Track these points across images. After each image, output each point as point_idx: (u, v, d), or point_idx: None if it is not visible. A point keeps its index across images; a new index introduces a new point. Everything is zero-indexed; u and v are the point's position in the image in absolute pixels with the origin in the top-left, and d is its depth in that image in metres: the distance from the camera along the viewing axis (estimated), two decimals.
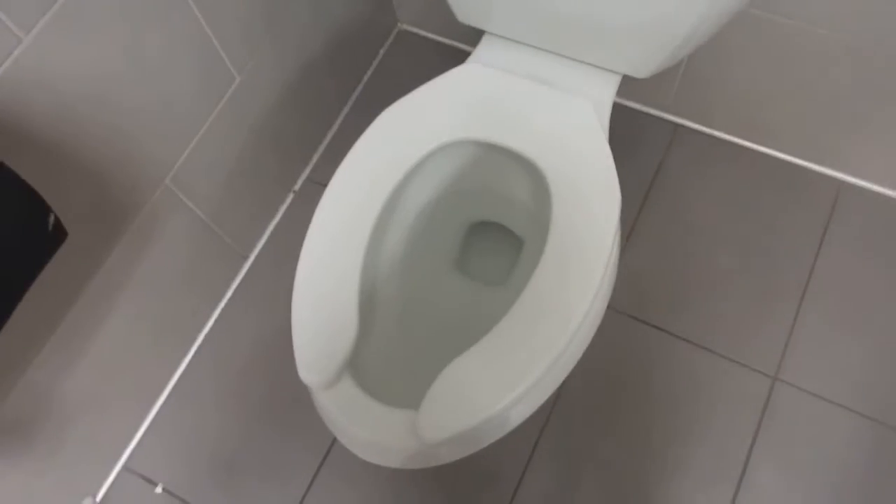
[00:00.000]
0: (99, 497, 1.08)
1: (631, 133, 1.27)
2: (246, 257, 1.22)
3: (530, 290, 0.76)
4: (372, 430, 0.72)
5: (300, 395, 1.12)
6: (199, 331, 1.17)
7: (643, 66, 0.85)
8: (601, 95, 0.87)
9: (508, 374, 0.72)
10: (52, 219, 0.65)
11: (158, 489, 1.09)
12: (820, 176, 1.20)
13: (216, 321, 1.19)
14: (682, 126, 1.27)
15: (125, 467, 1.10)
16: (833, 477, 1.02)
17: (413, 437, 0.71)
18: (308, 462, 1.09)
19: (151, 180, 0.92)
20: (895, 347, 1.08)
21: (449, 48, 1.38)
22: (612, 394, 1.09)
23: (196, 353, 1.17)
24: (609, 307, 1.12)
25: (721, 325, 1.12)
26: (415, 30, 1.40)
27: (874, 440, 1.03)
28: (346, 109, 1.34)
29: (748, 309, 1.13)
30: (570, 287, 0.76)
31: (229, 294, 1.20)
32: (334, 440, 1.09)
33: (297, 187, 1.28)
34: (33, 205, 0.63)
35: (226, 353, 1.17)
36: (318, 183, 1.28)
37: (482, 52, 0.92)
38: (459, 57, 0.89)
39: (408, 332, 0.93)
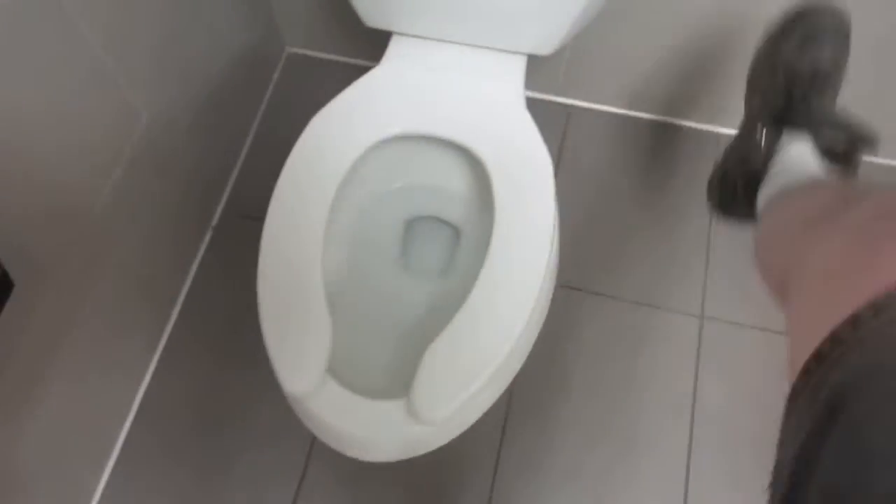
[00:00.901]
0: None
1: None
2: (173, 304, 1.17)
3: (490, 265, 0.79)
4: (368, 426, 0.73)
5: (256, 435, 1.09)
6: (139, 384, 1.11)
7: (546, 44, 0.92)
8: (514, 77, 0.93)
9: (490, 342, 0.75)
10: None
11: None
12: (702, 132, 1.33)
13: (154, 372, 1.13)
14: (574, 106, 1.36)
15: None
16: (774, 392, 1.12)
17: (411, 424, 0.72)
18: (285, 486, 1.05)
19: (69, 234, 0.87)
20: None
21: (340, 64, 1.40)
22: (560, 361, 1.15)
23: (138, 410, 1.10)
24: None
25: (644, 279, 1.21)
26: (303, 51, 1.41)
27: None
28: (249, 138, 1.33)
29: (665, 260, 1.22)
30: (524, 257, 0.80)
31: (163, 341, 1.15)
32: (305, 468, 1.07)
33: (214, 222, 1.25)
34: None
35: (169, 404, 1.11)
36: (237, 215, 1.25)
37: (394, 52, 0.95)
38: (351, 72, 0.91)
39: (367, 332, 0.93)
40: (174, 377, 1.13)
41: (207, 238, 1.23)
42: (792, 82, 0.74)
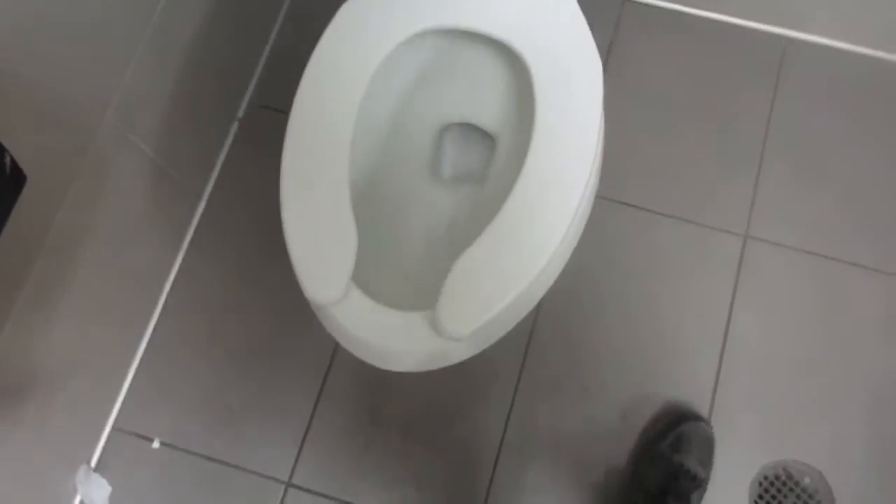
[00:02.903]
0: (94, 462, 1.03)
1: None
2: (200, 196, 1.14)
3: (526, 176, 0.74)
4: (391, 336, 0.71)
5: (282, 329, 1.09)
6: (167, 276, 1.11)
7: None
8: None
9: (521, 259, 0.71)
10: (7, 160, 0.58)
11: (155, 444, 1.05)
12: (765, 34, 1.21)
13: (181, 264, 1.13)
14: (629, 1, 1.25)
15: (115, 427, 1.05)
16: (810, 320, 1.08)
17: (433, 336, 0.70)
18: (305, 395, 1.06)
19: (93, 116, 0.83)
20: (856, 190, 1.13)
21: None
22: (595, 272, 1.11)
23: (166, 301, 1.11)
24: None
25: (688, 193, 1.14)
26: None
27: (843, 280, 1.09)
28: (276, 26, 1.25)
29: (713, 174, 1.15)
30: (566, 165, 0.74)
31: (189, 235, 1.14)
32: (328, 369, 1.07)
33: (241, 115, 1.20)
34: None
35: (196, 296, 1.11)
36: (264, 106, 1.20)
37: None
38: None
39: (394, 241, 0.90)
40: (200, 269, 1.13)
41: (233, 130, 1.19)
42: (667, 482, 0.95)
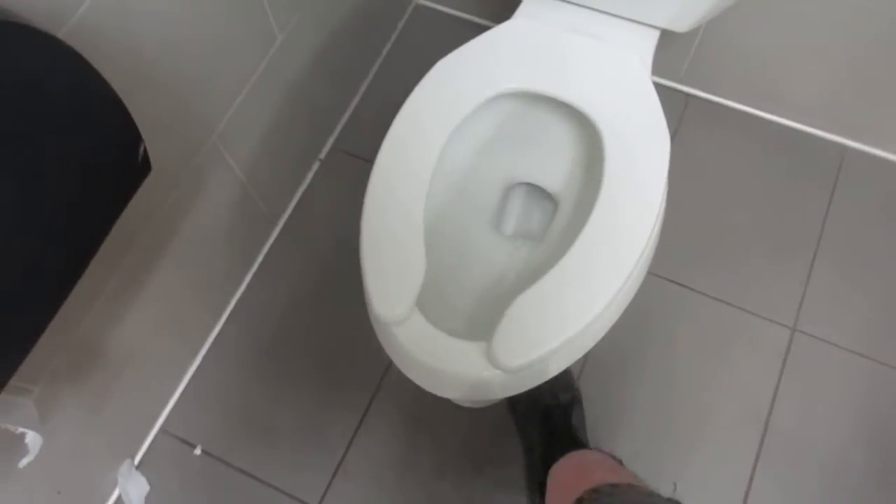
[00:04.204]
0: (137, 459, 1.07)
1: None
2: (275, 222, 1.23)
3: (591, 228, 0.79)
4: (447, 360, 0.75)
5: (331, 360, 1.14)
6: (234, 293, 1.18)
7: (683, 19, 0.90)
8: (644, 49, 0.91)
9: (578, 302, 0.75)
10: (142, 149, 0.66)
11: (197, 451, 1.09)
12: (825, 141, 1.27)
13: (249, 283, 1.20)
14: (693, 96, 1.33)
15: (162, 430, 1.10)
16: (853, 419, 1.08)
17: (486, 366, 0.74)
18: (346, 422, 1.10)
19: (201, 134, 0.93)
20: None
21: (464, 22, 1.42)
22: (640, 347, 1.13)
23: (230, 314, 1.18)
24: None
25: (740, 281, 1.17)
26: (431, 4, 1.43)
27: (889, 384, 1.09)
28: (367, 81, 1.36)
29: (764, 265, 1.18)
30: (629, 223, 0.79)
31: (261, 257, 1.21)
32: (371, 400, 1.11)
33: (322, 156, 1.30)
34: (128, 131, 0.64)
35: (259, 315, 1.18)
36: (343, 152, 1.30)
37: (526, 9, 0.95)
38: (476, 30, 0.92)
39: (455, 282, 0.95)
40: (265, 290, 1.19)
41: (315, 167, 1.28)
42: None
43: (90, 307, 0.84)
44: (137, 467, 1.07)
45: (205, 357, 1.15)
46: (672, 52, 1.25)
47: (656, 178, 0.82)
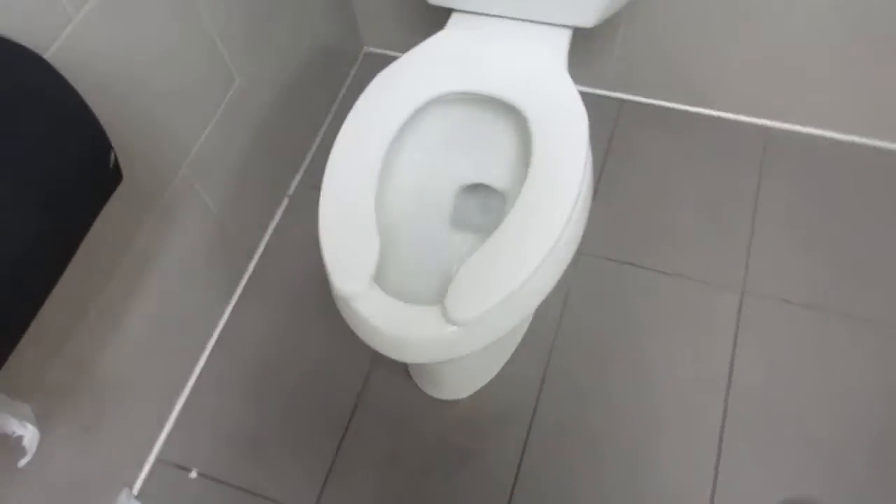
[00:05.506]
0: (136, 489, 1.11)
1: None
2: (252, 253, 1.31)
3: (522, 198, 0.88)
4: (405, 327, 0.82)
5: (313, 377, 1.20)
6: (218, 320, 1.25)
7: (586, 16, 1.02)
8: (559, 46, 1.03)
9: (519, 258, 0.83)
10: (113, 156, 0.75)
11: (193, 474, 1.13)
12: (748, 125, 1.38)
13: (233, 309, 1.27)
14: (624, 100, 1.45)
15: (159, 459, 1.14)
16: (814, 372, 1.14)
17: (443, 323, 0.81)
18: (332, 432, 1.15)
19: (171, 166, 1.02)
20: (841, 252, 1.23)
21: None
22: (599, 328, 1.20)
23: (217, 341, 1.24)
24: (585, 252, 1.26)
25: (687, 256, 1.25)
26: (380, 51, 1.57)
27: (843, 332, 1.16)
28: (327, 121, 1.48)
29: (708, 239, 1.27)
30: (553, 193, 0.88)
31: (242, 284, 1.29)
32: (354, 410, 1.16)
33: (290, 192, 1.39)
34: (98, 139, 0.73)
35: (242, 340, 1.24)
36: (311, 187, 1.40)
37: (453, 25, 1.07)
38: None
39: (413, 272, 1.03)
40: (248, 317, 1.27)
41: (284, 204, 1.38)
42: None
43: (72, 334, 0.90)
44: (136, 496, 1.11)
45: (195, 382, 1.20)
46: (600, 62, 1.38)
47: (578, 146, 0.91)
